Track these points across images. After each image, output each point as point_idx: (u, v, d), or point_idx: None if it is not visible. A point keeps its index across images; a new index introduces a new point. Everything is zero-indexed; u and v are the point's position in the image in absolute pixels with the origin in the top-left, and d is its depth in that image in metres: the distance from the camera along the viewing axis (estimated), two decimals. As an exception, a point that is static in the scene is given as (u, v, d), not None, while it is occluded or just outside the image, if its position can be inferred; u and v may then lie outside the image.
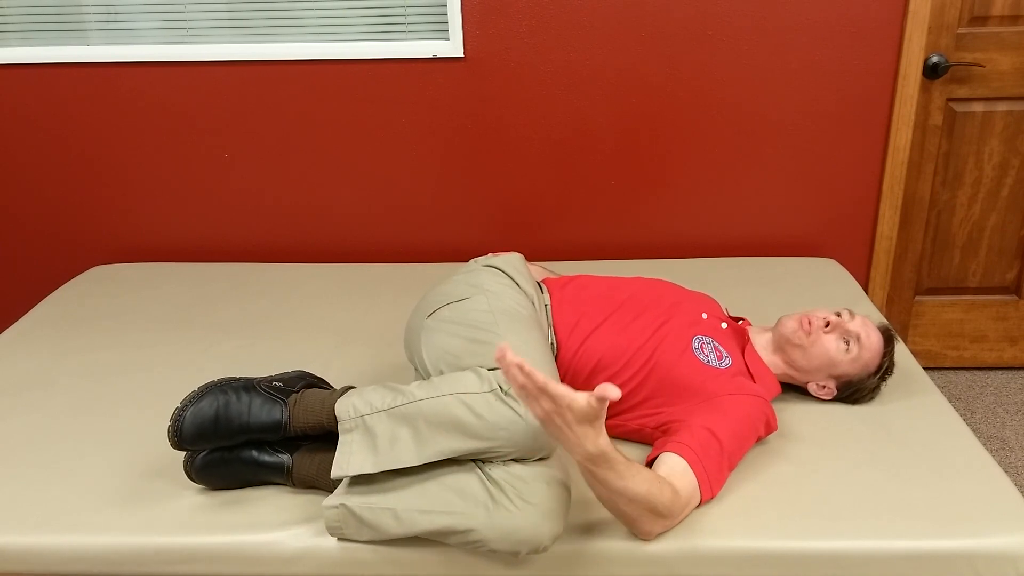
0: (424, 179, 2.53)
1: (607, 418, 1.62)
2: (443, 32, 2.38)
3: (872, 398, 1.73)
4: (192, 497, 1.50)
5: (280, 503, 1.48)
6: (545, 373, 1.41)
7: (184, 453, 1.54)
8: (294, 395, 1.47)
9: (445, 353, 1.50)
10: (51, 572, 1.44)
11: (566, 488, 1.34)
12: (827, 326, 1.65)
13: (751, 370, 1.64)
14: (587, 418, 1.16)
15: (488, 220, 2.57)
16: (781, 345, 1.69)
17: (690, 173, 2.49)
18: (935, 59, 2.36)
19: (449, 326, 1.54)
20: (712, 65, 2.36)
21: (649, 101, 2.41)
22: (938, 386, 2.62)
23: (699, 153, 2.47)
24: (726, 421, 1.48)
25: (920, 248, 2.61)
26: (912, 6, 2.27)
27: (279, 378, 1.52)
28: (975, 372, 2.77)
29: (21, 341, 2.07)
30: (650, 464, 1.44)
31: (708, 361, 1.59)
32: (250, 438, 1.45)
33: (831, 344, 1.65)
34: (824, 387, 1.71)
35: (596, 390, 1.13)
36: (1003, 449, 2.40)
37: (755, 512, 1.43)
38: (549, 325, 1.65)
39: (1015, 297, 2.66)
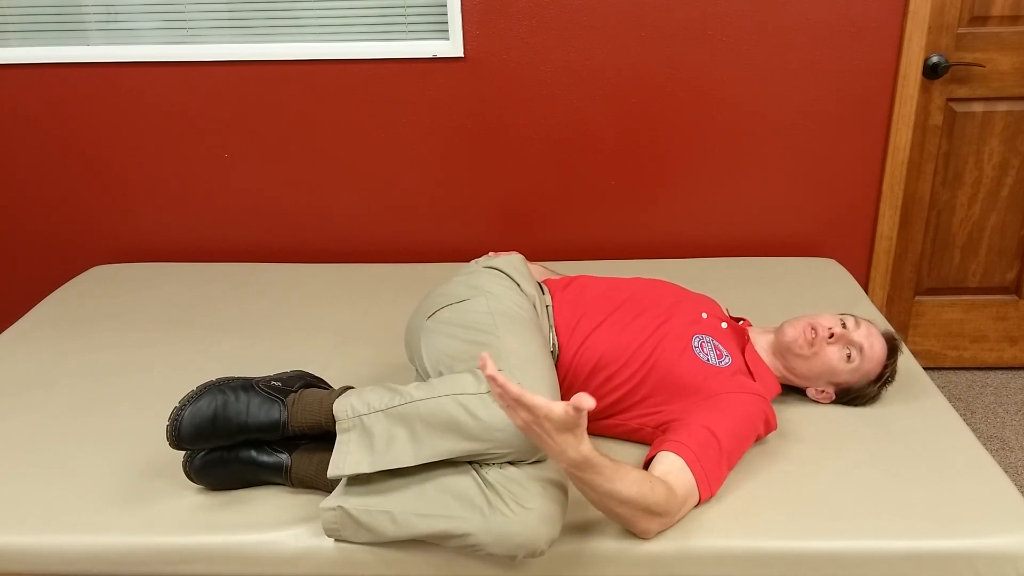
0: (424, 179, 2.53)
1: (607, 417, 1.62)
2: (443, 32, 2.38)
3: (872, 403, 1.73)
4: (192, 497, 1.50)
5: (279, 503, 1.48)
6: (543, 375, 1.41)
7: (183, 453, 1.54)
8: (292, 395, 1.47)
9: (444, 355, 1.50)
10: (51, 572, 1.44)
11: (563, 491, 1.34)
12: (831, 337, 1.64)
13: (751, 369, 1.64)
14: (566, 427, 1.17)
15: (488, 220, 2.57)
16: (782, 351, 1.69)
17: (690, 173, 2.49)
18: (935, 59, 2.36)
19: (449, 328, 1.55)
20: (712, 65, 2.36)
21: (649, 101, 2.41)
22: (938, 386, 2.62)
23: (699, 153, 2.47)
24: (725, 419, 1.48)
25: (920, 248, 2.61)
26: (912, 6, 2.27)
27: (277, 378, 1.52)
28: (975, 372, 2.77)
29: (21, 341, 2.07)
30: (648, 463, 1.44)
31: (708, 360, 1.59)
32: (248, 438, 1.45)
33: (833, 354, 1.64)
34: (823, 392, 1.71)
35: (572, 400, 1.14)
36: (1003, 449, 2.40)
37: (755, 512, 1.43)
38: (551, 326, 1.65)
39: (1015, 297, 2.66)
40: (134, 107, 2.48)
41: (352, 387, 1.50)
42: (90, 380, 1.89)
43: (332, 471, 1.35)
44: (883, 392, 1.72)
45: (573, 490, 1.43)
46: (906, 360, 1.88)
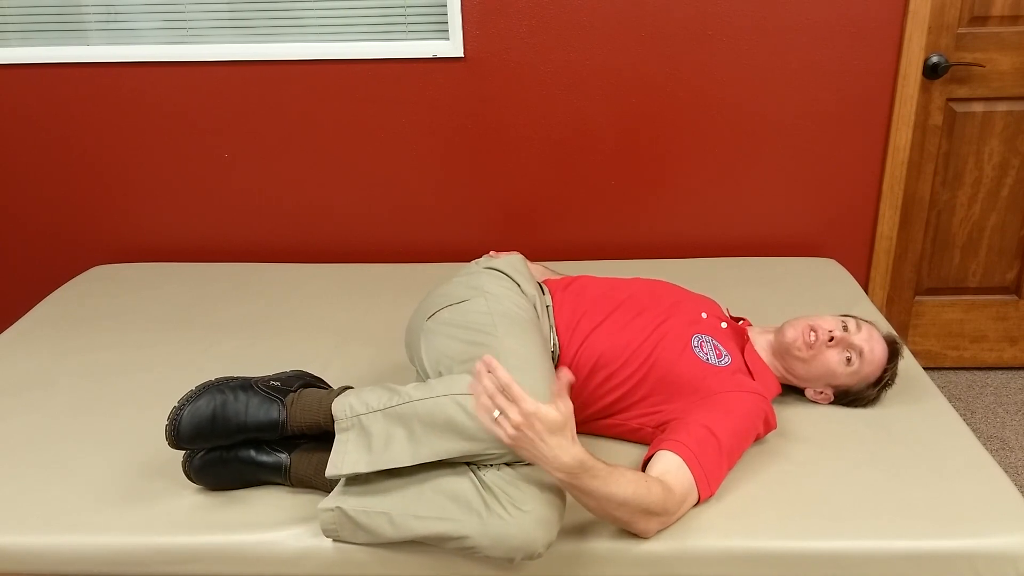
0: (424, 179, 2.53)
1: (607, 417, 1.62)
2: (443, 32, 2.38)
3: (871, 405, 1.73)
4: (191, 497, 1.50)
5: (279, 503, 1.48)
6: (542, 376, 1.41)
7: (183, 453, 1.54)
8: (291, 395, 1.47)
9: (444, 355, 1.50)
10: (51, 572, 1.44)
11: (560, 494, 1.34)
12: (831, 340, 1.64)
13: (751, 369, 1.64)
14: (557, 427, 1.18)
15: (488, 220, 2.57)
16: (781, 352, 1.69)
17: (690, 173, 2.49)
18: (935, 59, 2.36)
19: (448, 328, 1.55)
20: (712, 65, 2.36)
21: (649, 101, 2.41)
22: (938, 386, 2.61)
23: (699, 153, 2.47)
24: (724, 418, 1.48)
25: (920, 248, 2.61)
26: (912, 6, 2.27)
27: (276, 377, 1.52)
28: (975, 372, 2.77)
29: (21, 341, 2.07)
30: (647, 462, 1.44)
31: (707, 359, 1.59)
32: (247, 437, 1.45)
33: (833, 358, 1.64)
34: (821, 393, 1.71)
35: (560, 375, 1.19)
36: (1003, 449, 2.40)
37: (755, 512, 1.43)
38: (551, 327, 1.65)
39: (1015, 297, 2.66)
40: (134, 107, 2.48)
41: (351, 387, 1.50)
42: (90, 380, 1.89)
43: (331, 471, 1.35)
44: (883, 395, 1.72)
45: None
46: (906, 360, 1.88)
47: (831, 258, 2.54)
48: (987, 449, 2.26)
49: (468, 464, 1.35)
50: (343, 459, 1.35)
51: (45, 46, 2.44)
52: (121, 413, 1.76)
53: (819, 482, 1.50)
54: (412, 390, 1.38)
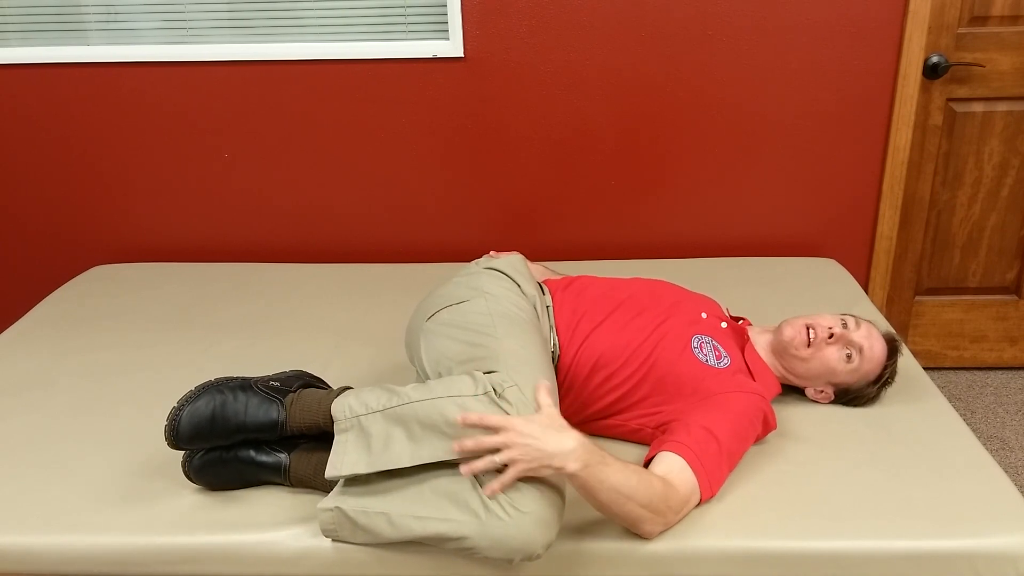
0: (424, 179, 2.53)
1: (607, 418, 1.62)
2: (443, 32, 2.38)
3: (871, 404, 1.73)
4: (192, 497, 1.50)
5: (279, 503, 1.48)
6: (542, 375, 1.41)
7: (182, 453, 1.54)
8: (291, 395, 1.47)
9: (443, 356, 1.50)
10: (51, 572, 1.44)
11: (559, 495, 1.33)
12: (831, 337, 1.64)
13: (751, 369, 1.64)
14: (540, 422, 1.25)
15: (488, 220, 2.57)
16: (780, 351, 1.68)
17: (690, 173, 2.49)
18: (935, 59, 2.36)
19: (448, 329, 1.54)
20: (712, 65, 2.36)
21: (649, 101, 2.41)
22: (938, 386, 2.61)
23: (699, 153, 2.47)
24: (724, 419, 1.48)
25: (920, 248, 2.61)
26: (912, 6, 2.27)
27: (276, 378, 1.52)
28: (975, 372, 2.77)
29: (21, 341, 2.07)
30: (647, 464, 1.44)
31: (707, 360, 1.59)
32: (247, 437, 1.45)
33: (832, 355, 1.64)
34: (822, 392, 1.71)
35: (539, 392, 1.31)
36: (1003, 449, 2.40)
37: (755, 512, 1.43)
38: (551, 327, 1.65)
39: (1015, 297, 2.66)
40: (134, 107, 2.48)
41: (351, 387, 1.50)
42: (90, 380, 1.89)
43: (330, 471, 1.35)
44: (883, 393, 1.72)
45: (570, 492, 1.43)
46: (906, 360, 1.88)
47: (831, 258, 2.54)
48: (987, 449, 2.26)
49: None
50: (342, 460, 1.35)
51: (45, 46, 2.44)
52: (121, 413, 1.76)
53: (819, 482, 1.50)
54: (411, 391, 1.38)
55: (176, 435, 1.41)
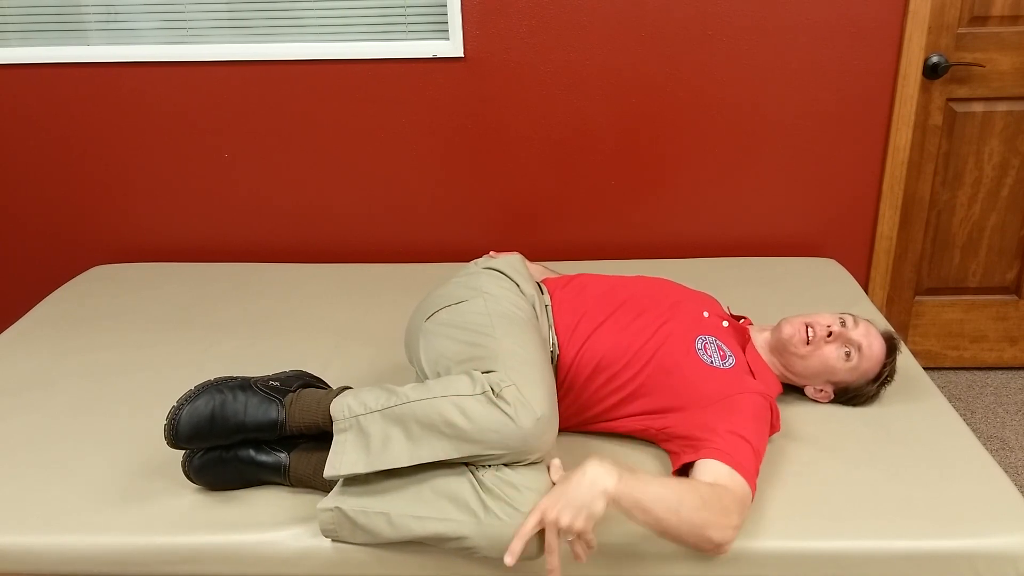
0: (424, 179, 2.53)
1: (609, 420, 1.62)
2: (443, 32, 2.38)
3: (871, 403, 1.73)
4: (191, 497, 1.50)
5: (279, 503, 1.48)
6: (539, 377, 1.40)
7: (183, 453, 1.54)
8: (290, 395, 1.47)
9: (442, 356, 1.50)
10: (51, 572, 1.44)
11: None
12: (829, 335, 1.64)
13: (752, 368, 1.64)
14: (567, 479, 1.26)
15: (488, 220, 2.57)
16: (779, 349, 1.68)
17: (690, 173, 2.49)
18: (935, 59, 2.36)
19: (446, 329, 1.54)
20: (712, 65, 2.36)
21: (649, 101, 2.41)
22: (938, 386, 2.62)
23: (699, 153, 2.47)
24: (745, 420, 1.47)
25: (920, 248, 2.61)
26: (912, 6, 2.27)
27: (276, 377, 1.52)
28: (975, 372, 2.77)
29: (21, 341, 2.07)
30: (676, 473, 1.45)
31: (711, 361, 1.58)
32: (246, 437, 1.45)
33: (831, 353, 1.64)
34: (821, 391, 1.71)
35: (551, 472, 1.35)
36: (1003, 449, 2.40)
37: (756, 512, 1.43)
38: (550, 327, 1.65)
39: (1015, 297, 2.66)
40: (134, 107, 2.48)
41: (350, 387, 1.50)
42: (90, 380, 1.89)
43: (329, 471, 1.35)
44: (882, 392, 1.72)
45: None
46: (906, 360, 1.88)
47: (831, 258, 2.54)
48: (987, 449, 2.26)
49: (467, 465, 1.35)
50: (341, 460, 1.35)
51: (45, 46, 2.44)
52: (121, 413, 1.76)
53: (819, 482, 1.50)
54: (410, 391, 1.38)
55: (175, 434, 1.41)
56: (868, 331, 1.66)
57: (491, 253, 1.92)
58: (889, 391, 1.75)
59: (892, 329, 1.76)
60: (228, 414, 1.42)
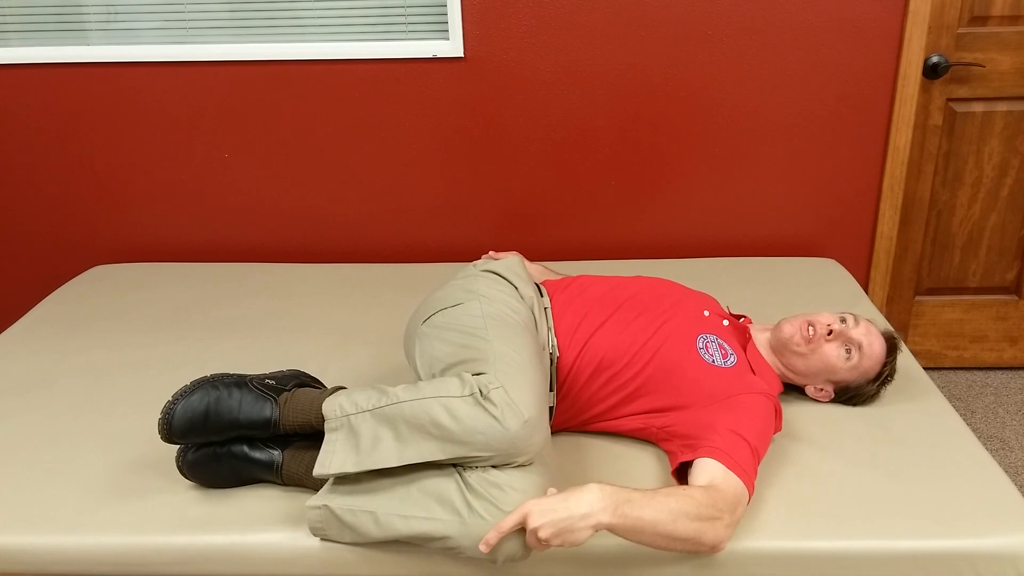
0: (424, 179, 2.53)
1: (610, 419, 1.62)
2: (443, 32, 2.38)
3: (871, 402, 1.73)
4: (191, 498, 1.50)
5: (275, 504, 1.48)
6: (532, 380, 1.39)
7: (177, 448, 1.54)
8: (285, 393, 1.47)
9: (435, 359, 1.50)
10: (51, 572, 1.44)
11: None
12: (830, 334, 1.64)
13: (753, 367, 1.64)
14: (562, 494, 1.24)
15: (488, 220, 2.57)
16: (779, 348, 1.68)
17: (690, 173, 2.49)
18: (935, 59, 2.36)
19: (441, 332, 1.54)
20: (712, 65, 2.36)
21: (649, 101, 2.41)
22: (938, 386, 2.62)
23: (699, 153, 2.47)
24: (746, 420, 1.47)
25: (920, 248, 2.61)
26: (912, 6, 2.27)
27: (272, 376, 1.52)
28: (975, 372, 2.77)
29: (21, 341, 2.07)
30: (675, 472, 1.44)
31: (713, 361, 1.58)
32: (240, 434, 1.45)
33: (831, 352, 1.64)
34: (822, 390, 1.71)
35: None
36: (1003, 449, 2.40)
37: (755, 512, 1.43)
38: (549, 328, 1.64)
39: (1015, 297, 2.66)
40: (134, 107, 2.48)
41: (345, 387, 1.50)
42: (90, 380, 1.89)
43: (318, 470, 1.35)
44: (882, 391, 1.72)
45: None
46: (906, 360, 1.88)
47: (831, 258, 2.54)
48: (987, 449, 2.26)
49: (455, 465, 1.35)
50: (331, 459, 1.35)
51: (45, 46, 2.44)
52: (121, 413, 1.76)
53: (819, 482, 1.50)
54: (401, 391, 1.38)
55: (169, 428, 1.42)
56: (869, 330, 1.66)
57: (491, 253, 1.91)
58: (889, 391, 1.75)
59: (892, 329, 1.76)
60: (222, 410, 1.42)
